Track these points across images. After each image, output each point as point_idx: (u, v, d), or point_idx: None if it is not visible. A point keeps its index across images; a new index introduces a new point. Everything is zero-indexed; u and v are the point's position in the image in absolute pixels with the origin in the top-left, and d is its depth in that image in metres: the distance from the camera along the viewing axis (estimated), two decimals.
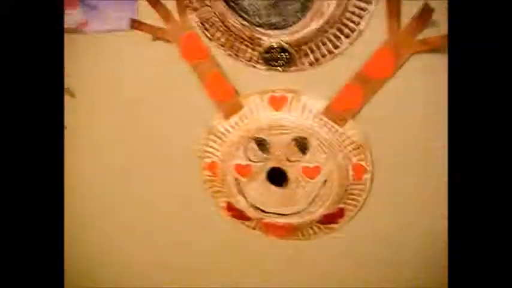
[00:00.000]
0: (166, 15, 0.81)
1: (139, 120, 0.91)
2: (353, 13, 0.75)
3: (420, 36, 0.74)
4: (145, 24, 0.82)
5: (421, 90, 0.77)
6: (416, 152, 0.81)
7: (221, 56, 0.82)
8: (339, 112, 0.80)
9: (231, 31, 0.79)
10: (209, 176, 0.90)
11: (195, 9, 0.79)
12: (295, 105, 0.82)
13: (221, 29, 0.80)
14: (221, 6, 0.77)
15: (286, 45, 0.77)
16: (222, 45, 0.81)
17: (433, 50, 0.74)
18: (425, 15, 0.72)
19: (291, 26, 0.76)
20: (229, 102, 0.84)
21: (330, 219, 0.87)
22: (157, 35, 0.83)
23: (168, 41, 0.83)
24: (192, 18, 0.80)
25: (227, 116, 0.85)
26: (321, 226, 0.88)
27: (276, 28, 0.77)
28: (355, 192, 0.84)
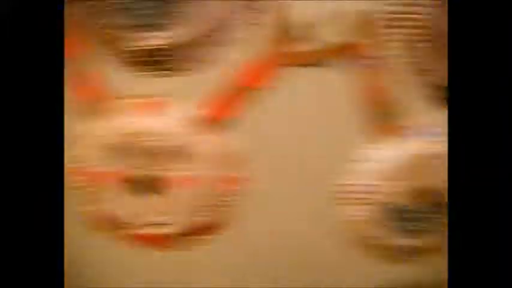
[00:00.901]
0: None
1: None
2: (233, 22, 0.75)
3: (295, 49, 0.77)
4: None
5: (294, 102, 0.81)
6: (292, 163, 0.83)
7: (91, 56, 0.76)
8: (214, 120, 0.80)
9: (106, 31, 0.73)
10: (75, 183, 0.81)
11: None
12: (170, 112, 0.79)
13: (96, 27, 0.74)
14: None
15: (163, 49, 0.74)
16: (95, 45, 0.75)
17: (306, 63, 0.78)
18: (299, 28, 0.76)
19: (170, 29, 0.74)
20: (97, 105, 0.78)
21: (204, 230, 0.85)
22: None
23: None
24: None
25: (95, 119, 0.78)
26: (194, 237, 0.86)
27: (154, 30, 0.74)
28: (231, 202, 0.84)
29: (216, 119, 0.80)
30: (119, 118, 0.78)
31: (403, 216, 0.82)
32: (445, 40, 0.64)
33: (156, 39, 0.73)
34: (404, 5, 0.74)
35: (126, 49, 0.74)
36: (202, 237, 0.86)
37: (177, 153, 0.79)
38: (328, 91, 0.79)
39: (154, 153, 0.78)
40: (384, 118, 0.80)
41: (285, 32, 0.76)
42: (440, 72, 0.74)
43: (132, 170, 0.79)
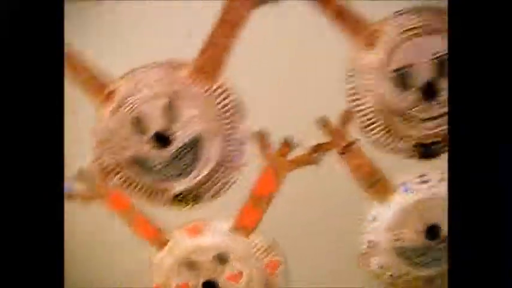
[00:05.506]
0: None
1: None
2: (234, 151, 1.03)
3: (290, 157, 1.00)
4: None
5: (304, 199, 1.01)
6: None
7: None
8: (242, 227, 1.00)
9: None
10: None
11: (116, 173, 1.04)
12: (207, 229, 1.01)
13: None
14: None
15: (189, 188, 1.01)
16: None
17: (306, 164, 1.00)
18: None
19: (189, 174, 1.02)
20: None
21: None
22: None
23: None
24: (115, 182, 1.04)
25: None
26: None
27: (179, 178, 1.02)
28: (275, 285, 0.96)
29: (245, 225, 1.00)
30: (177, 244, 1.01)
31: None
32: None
33: (183, 183, 1.01)
34: None
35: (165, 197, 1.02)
36: None
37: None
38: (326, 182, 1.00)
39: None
40: (377, 183, 0.99)
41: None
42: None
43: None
